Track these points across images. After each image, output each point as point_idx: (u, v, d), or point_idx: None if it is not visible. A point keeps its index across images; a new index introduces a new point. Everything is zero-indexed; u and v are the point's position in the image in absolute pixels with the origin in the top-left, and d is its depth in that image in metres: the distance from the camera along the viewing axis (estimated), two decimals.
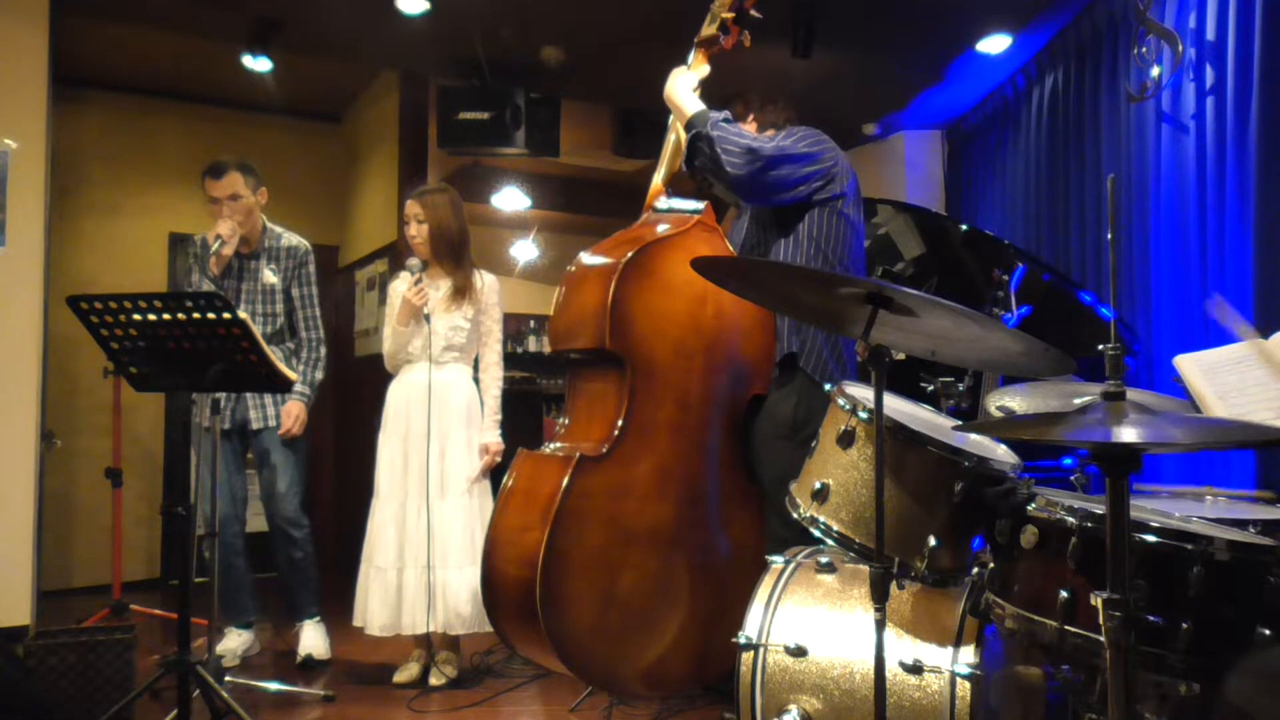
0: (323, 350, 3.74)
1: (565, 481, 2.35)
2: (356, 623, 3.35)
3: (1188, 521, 1.62)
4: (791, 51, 4.19)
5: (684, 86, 2.67)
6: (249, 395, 3.58)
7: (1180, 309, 3.50)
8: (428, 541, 3.27)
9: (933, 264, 3.60)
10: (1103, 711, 1.63)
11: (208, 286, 3.45)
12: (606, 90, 5.25)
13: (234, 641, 3.61)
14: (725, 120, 2.53)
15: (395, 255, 5.04)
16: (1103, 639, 1.29)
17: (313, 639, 3.61)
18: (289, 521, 3.58)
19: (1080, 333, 3.33)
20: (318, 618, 3.66)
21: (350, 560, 3.63)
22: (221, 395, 3.46)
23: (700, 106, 2.60)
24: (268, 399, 3.60)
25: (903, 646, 1.83)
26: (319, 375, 3.71)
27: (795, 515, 1.95)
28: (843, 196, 2.57)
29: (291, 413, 3.59)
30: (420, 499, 3.31)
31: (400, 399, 3.42)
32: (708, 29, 2.73)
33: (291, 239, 3.71)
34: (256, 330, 2.60)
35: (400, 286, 3.45)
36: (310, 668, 3.54)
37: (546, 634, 2.30)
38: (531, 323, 6.99)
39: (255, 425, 3.58)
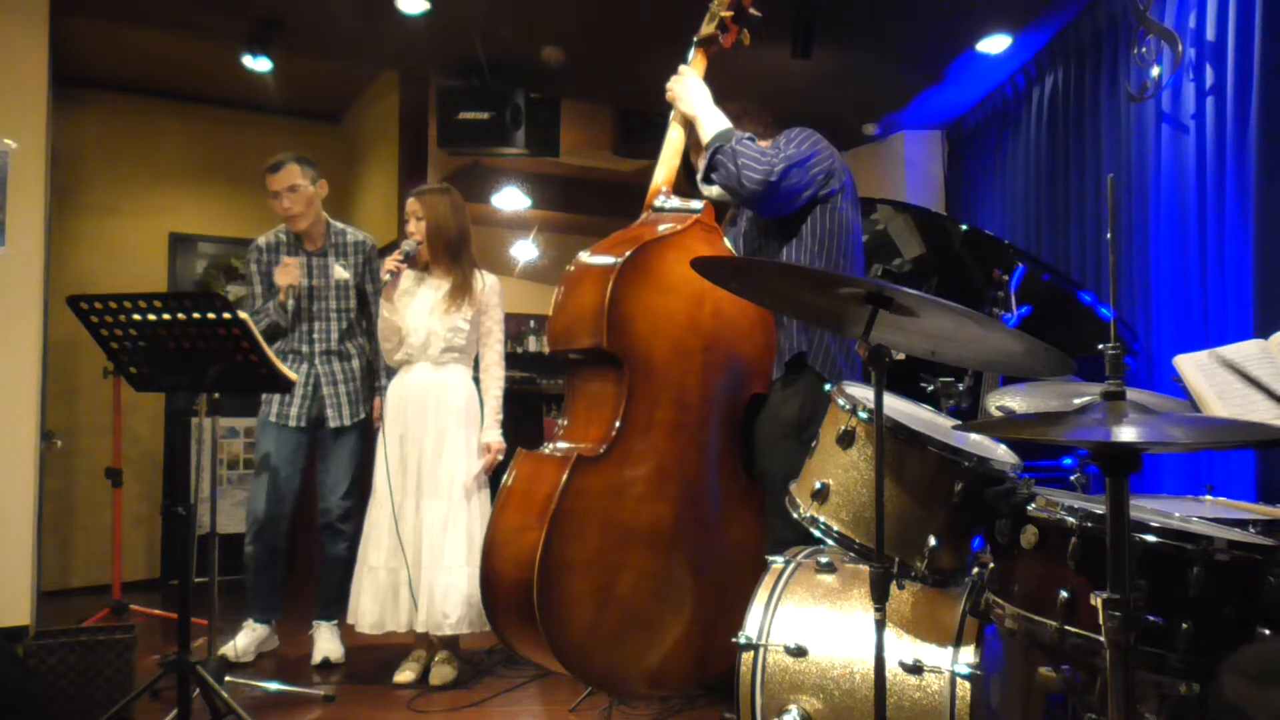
0: None
1: (562, 481, 2.34)
2: (349, 619, 3.36)
3: (1188, 521, 1.62)
4: (791, 51, 4.19)
5: (704, 97, 2.65)
6: (326, 394, 3.62)
7: (1180, 309, 3.50)
8: (421, 541, 3.27)
9: (933, 264, 3.60)
10: (1103, 711, 1.63)
11: (277, 311, 3.56)
12: (606, 90, 5.25)
13: (249, 637, 3.60)
14: (749, 138, 2.54)
15: None
16: (1103, 639, 1.29)
17: (329, 642, 3.62)
18: (340, 518, 3.63)
19: (1080, 333, 3.33)
20: (336, 621, 3.67)
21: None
22: (288, 395, 3.56)
23: (726, 124, 2.59)
24: (343, 398, 3.64)
25: (903, 646, 1.83)
26: None
27: (795, 515, 1.95)
28: (841, 191, 2.58)
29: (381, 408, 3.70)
30: (416, 499, 3.31)
31: (399, 399, 3.41)
32: (706, 28, 2.72)
33: (357, 234, 3.75)
34: (256, 330, 2.60)
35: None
36: (327, 667, 3.55)
37: (545, 634, 2.30)
38: (531, 323, 7.00)
39: (333, 424, 3.62)
